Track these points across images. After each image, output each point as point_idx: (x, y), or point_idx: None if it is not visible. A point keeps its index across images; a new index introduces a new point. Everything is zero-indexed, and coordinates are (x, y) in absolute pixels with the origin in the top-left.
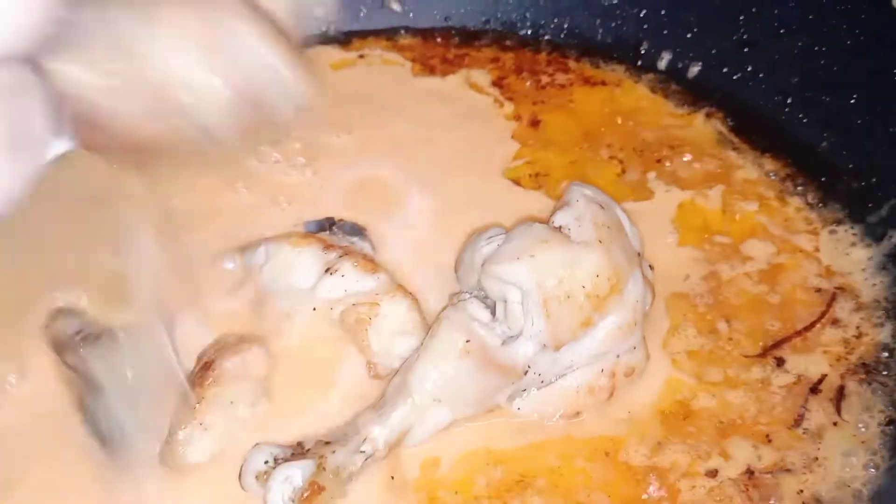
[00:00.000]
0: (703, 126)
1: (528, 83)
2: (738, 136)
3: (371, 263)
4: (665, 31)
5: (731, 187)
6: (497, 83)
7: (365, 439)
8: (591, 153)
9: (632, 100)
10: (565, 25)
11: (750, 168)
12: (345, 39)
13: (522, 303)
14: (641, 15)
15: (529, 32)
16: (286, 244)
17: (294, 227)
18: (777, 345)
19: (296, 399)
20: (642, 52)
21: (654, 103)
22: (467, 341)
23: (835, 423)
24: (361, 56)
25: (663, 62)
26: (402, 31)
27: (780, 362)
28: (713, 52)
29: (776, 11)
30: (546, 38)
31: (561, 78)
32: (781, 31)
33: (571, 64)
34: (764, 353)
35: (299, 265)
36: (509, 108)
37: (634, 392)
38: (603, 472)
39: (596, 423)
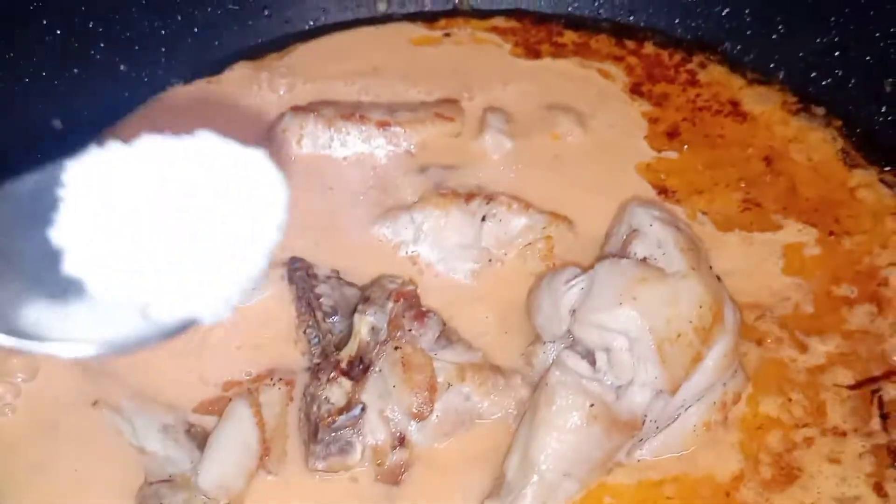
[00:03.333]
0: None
1: (681, 97)
2: (856, 148)
3: (519, 201)
4: (749, 32)
5: (847, 211)
6: (635, 89)
7: None
8: (722, 187)
9: (780, 143)
10: (642, 23)
11: (865, 191)
12: (431, 17)
13: (631, 350)
14: (724, 14)
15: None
16: (431, 208)
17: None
18: (873, 380)
19: None
20: (722, 52)
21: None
22: (591, 405)
23: None
24: (447, 35)
25: (747, 64)
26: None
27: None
28: (800, 55)
29: (871, 14)
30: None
31: (716, 105)
32: (876, 35)
33: (702, 77)
34: (858, 385)
35: (453, 224)
36: (646, 106)
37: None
38: None
39: (707, 456)
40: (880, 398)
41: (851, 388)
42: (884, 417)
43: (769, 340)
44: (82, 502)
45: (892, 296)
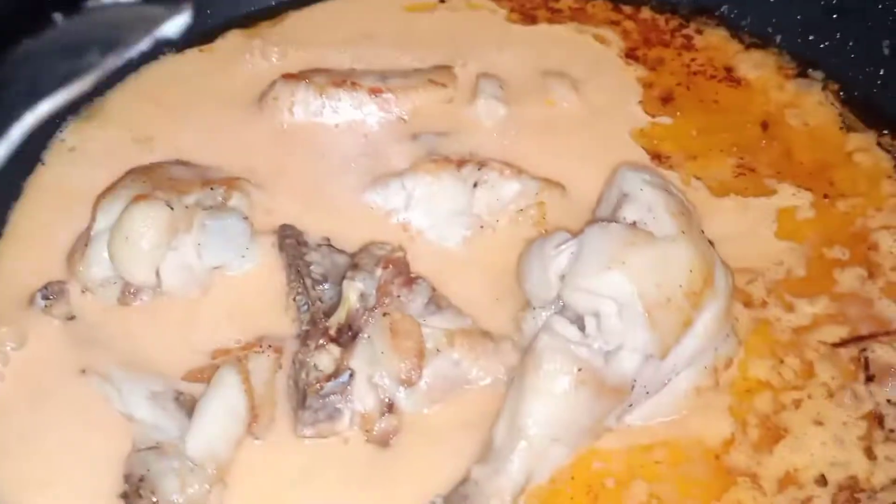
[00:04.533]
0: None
1: (676, 62)
2: (854, 112)
3: (511, 167)
4: None
5: (843, 174)
6: (630, 54)
7: (491, 498)
8: (716, 152)
9: (775, 108)
10: None
11: (861, 155)
12: None
13: (620, 314)
14: None
15: None
16: (422, 174)
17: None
18: (860, 339)
19: None
20: (719, 15)
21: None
22: (579, 370)
23: None
24: (442, 1)
25: (744, 28)
26: None
27: (863, 361)
28: (798, 18)
29: None
30: None
31: (711, 69)
32: None
33: (698, 41)
34: (843, 344)
35: (444, 191)
36: (641, 71)
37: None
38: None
39: (698, 421)
40: (866, 359)
41: (836, 345)
42: (869, 379)
43: (758, 303)
44: (71, 469)
45: (882, 260)
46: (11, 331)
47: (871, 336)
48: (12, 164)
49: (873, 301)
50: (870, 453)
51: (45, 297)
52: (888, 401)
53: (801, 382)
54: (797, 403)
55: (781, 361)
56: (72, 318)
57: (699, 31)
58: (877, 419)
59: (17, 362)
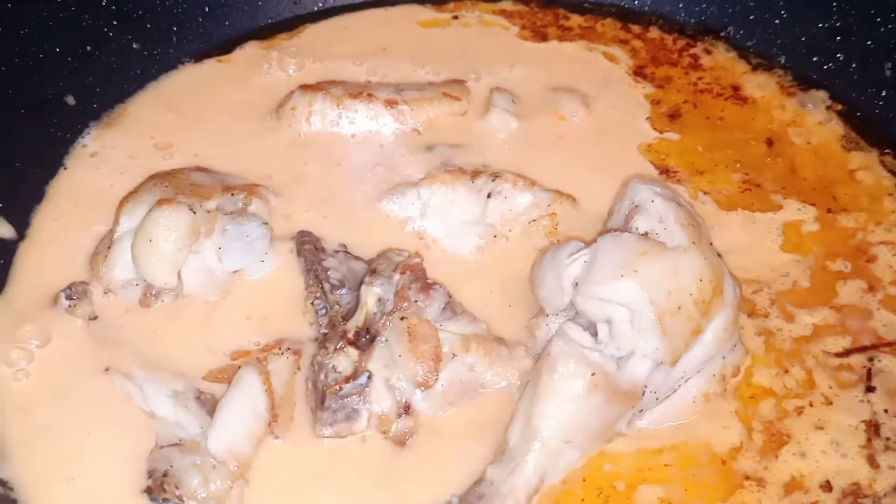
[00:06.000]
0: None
1: (683, 80)
2: (856, 131)
3: (524, 178)
4: (752, 17)
5: (846, 191)
6: (638, 72)
7: (507, 498)
8: (722, 168)
9: (780, 126)
10: (646, 7)
11: (864, 173)
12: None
13: (632, 322)
14: None
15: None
16: (438, 184)
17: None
18: (863, 349)
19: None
20: (725, 36)
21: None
22: (593, 374)
23: None
24: (455, 17)
25: (750, 48)
26: None
27: (867, 371)
28: (802, 39)
29: None
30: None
31: (717, 88)
32: (878, 20)
33: (705, 61)
34: (847, 353)
35: (459, 201)
36: (649, 88)
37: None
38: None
39: (706, 426)
40: (869, 371)
41: (840, 355)
42: (869, 390)
43: (761, 313)
44: (94, 464)
45: (882, 273)
46: (35, 329)
47: (874, 346)
48: (35, 169)
49: (872, 313)
50: (872, 461)
51: (69, 298)
52: (885, 410)
53: (802, 390)
54: (799, 410)
55: (786, 371)
56: (94, 318)
57: (707, 51)
58: (873, 427)
59: (41, 360)
